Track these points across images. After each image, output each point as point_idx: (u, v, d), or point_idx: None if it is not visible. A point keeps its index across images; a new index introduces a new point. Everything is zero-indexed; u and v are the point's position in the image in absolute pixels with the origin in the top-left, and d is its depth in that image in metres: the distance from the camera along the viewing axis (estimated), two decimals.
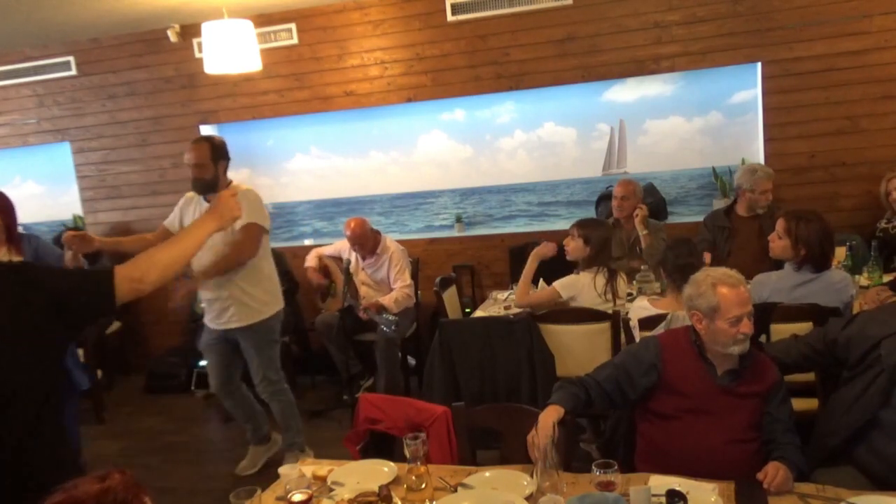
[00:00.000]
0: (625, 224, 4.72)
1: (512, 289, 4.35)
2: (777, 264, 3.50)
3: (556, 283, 3.72)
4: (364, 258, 5.02)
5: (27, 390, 1.90)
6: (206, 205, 3.79)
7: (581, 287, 3.68)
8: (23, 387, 1.89)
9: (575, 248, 3.78)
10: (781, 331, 3.04)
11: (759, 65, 5.02)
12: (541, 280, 4.05)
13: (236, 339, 3.91)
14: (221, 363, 3.99)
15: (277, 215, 6.24)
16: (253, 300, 3.81)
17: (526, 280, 3.87)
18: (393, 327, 4.59)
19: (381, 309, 4.72)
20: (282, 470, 2.31)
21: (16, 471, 1.88)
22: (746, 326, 2.28)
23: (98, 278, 2.02)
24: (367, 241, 4.92)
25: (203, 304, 3.98)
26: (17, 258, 3.41)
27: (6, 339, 1.86)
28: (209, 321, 3.93)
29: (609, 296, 3.71)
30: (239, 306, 3.79)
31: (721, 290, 2.31)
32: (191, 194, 3.95)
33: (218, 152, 3.76)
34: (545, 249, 3.89)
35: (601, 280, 3.71)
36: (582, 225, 3.79)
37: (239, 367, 4.06)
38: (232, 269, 3.72)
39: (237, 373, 4.08)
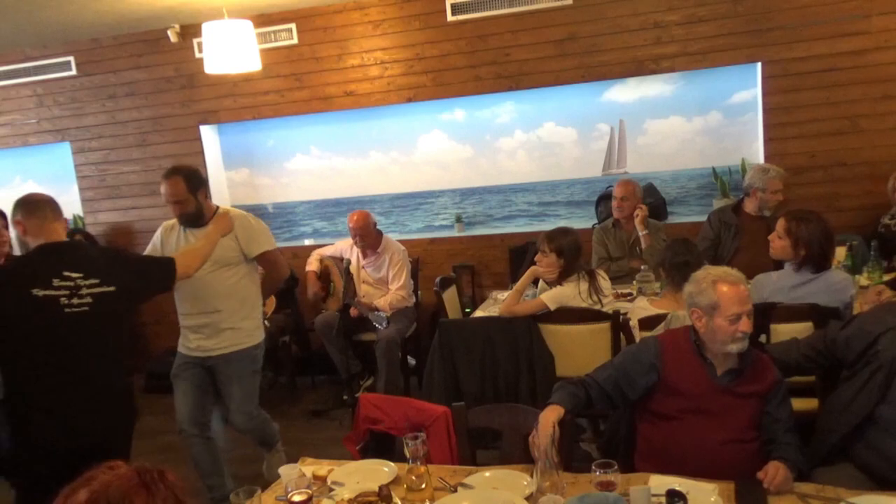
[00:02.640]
0: (625, 224, 4.71)
1: (512, 289, 4.35)
2: (780, 266, 3.49)
3: (544, 296, 3.71)
4: (365, 255, 5.03)
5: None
6: (190, 231, 3.63)
7: (568, 298, 3.68)
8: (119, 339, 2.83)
9: (549, 263, 3.75)
10: (781, 331, 3.04)
11: (759, 65, 5.02)
12: (540, 282, 4.04)
13: (214, 367, 3.66)
14: (199, 390, 3.66)
15: (277, 215, 6.24)
16: (246, 325, 3.68)
17: (518, 291, 3.86)
18: (384, 324, 4.60)
19: (374, 308, 4.74)
20: (282, 470, 2.31)
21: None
22: (745, 325, 2.28)
23: (164, 262, 3.11)
24: (368, 234, 4.92)
25: (184, 329, 3.72)
26: None
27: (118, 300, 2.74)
28: (191, 349, 3.65)
29: (595, 297, 3.71)
30: (233, 330, 3.63)
31: (721, 287, 2.32)
32: (169, 223, 3.78)
33: (193, 183, 3.56)
34: (544, 272, 3.87)
35: (584, 285, 3.71)
36: (551, 238, 3.75)
37: (213, 401, 3.77)
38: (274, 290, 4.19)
39: (211, 406, 3.77)
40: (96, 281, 2.63)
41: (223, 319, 3.60)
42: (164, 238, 3.77)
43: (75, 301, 2.57)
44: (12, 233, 3.02)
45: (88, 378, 2.67)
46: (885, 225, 4.41)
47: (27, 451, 2.62)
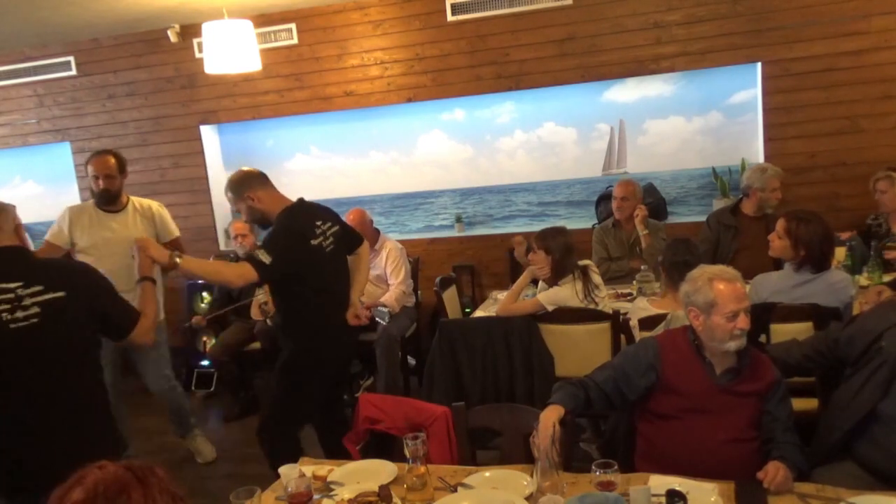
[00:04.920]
0: (625, 224, 4.71)
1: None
2: (780, 266, 3.49)
3: (541, 297, 3.71)
4: None
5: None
6: (104, 213, 4.03)
7: (565, 298, 3.67)
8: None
9: (538, 260, 3.75)
10: (781, 331, 3.04)
11: (759, 65, 5.03)
12: (540, 282, 4.04)
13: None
14: (117, 361, 4.11)
15: None
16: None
17: (515, 291, 3.85)
18: (387, 319, 4.61)
19: (379, 304, 4.75)
20: (282, 470, 2.31)
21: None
22: (743, 322, 2.28)
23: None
24: (363, 228, 4.91)
25: None
26: None
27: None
28: None
29: (591, 297, 3.70)
30: None
31: (717, 285, 2.32)
32: (78, 206, 4.16)
33: (122, 165, 4.07)
34: (536, 269, 3.86)
35: (580, 285, 3.71)
36: (542, 237, 3.76)
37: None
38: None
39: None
40: (330, 224, 3.32)
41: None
42: (74, 220, 4.07)
43: (327, 242, 3.24)
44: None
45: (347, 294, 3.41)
46: (868, 225, 4.43)
47: (320, 362, 3.28)
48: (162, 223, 4.18)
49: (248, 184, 3.23)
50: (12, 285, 2.31)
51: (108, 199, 4.04)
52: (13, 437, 2.35)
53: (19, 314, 2.30)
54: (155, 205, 4.22)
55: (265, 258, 3.01)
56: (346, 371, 3.70)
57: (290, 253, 3.10)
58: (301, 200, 3.33)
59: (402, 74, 5.54)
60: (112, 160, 4.02)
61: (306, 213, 3.29)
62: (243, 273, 3.02)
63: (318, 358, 3.28)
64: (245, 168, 3.37)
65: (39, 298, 2.33)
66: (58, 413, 2.38)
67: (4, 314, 2.28)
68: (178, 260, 2.90)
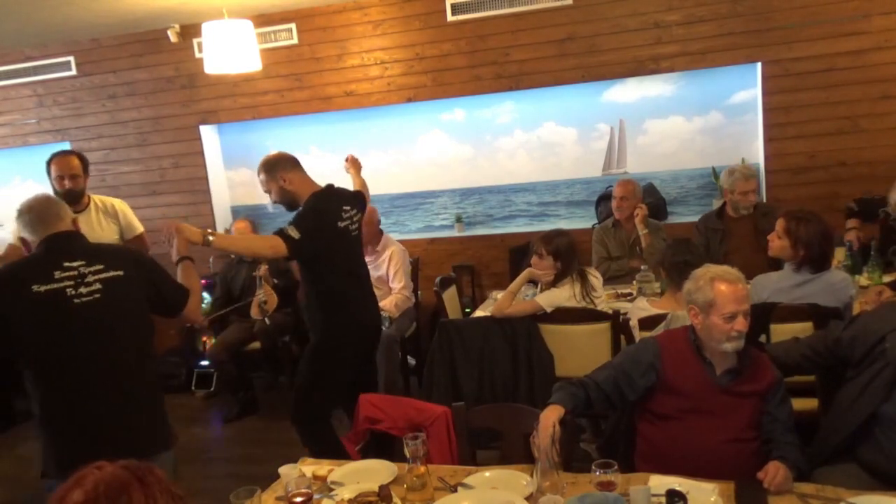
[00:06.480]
0: (625, 224, 4.71)
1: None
2: (774, 264, 3.49)
3: (539, 298, 3.70)
4: (366, 252, 5.01)
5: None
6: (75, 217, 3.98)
7: (564, 300, 3.68)
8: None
9: (546, 266, 3.74)
10: (781, 331, 3.04)
11: (759, 65, 5.03)
12: (540, 284, 4.03)
13: None
14: None
15: (277, 215, 6.22)
16: None
17: (511, 292, 3.84)
18: (387, 324, 4.61)
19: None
20: (282, 470, 2.31)
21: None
22: (741, 324, 2.28)
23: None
24: (370, 228, 4.90)
25: None
26: None
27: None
28: None
29: (589, 298, 3.71)
30: None
31: (719, 285, 2.32)
32: None
33: (86, 165, 4.04)
34: (541, 275, 3.86)
35: (578, 287, 3.71)
36: (548, 241, 3.75)
37: None
38: None
39: None
40: (356, 210, 3.49)
41: None
42: None
43: (353, 227, 3.42)
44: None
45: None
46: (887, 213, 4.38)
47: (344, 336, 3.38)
48: (126, 220, 4.13)
49: (281, 165, 3.36)
50: (76, 264, 2.47)
51: (72, 199, 3.95)
52: (72, 412, 2.45)
53: (83, 290, 2.44)
54: (117, 202, 4.18)
55: (294, 233, 3.12)
56: (373, 356, 3.74)
57: (317, 231, 3.21)
58: (330, 185, 3.45)
59: (402, 74, 5.54)
60: (76, 160, 3.97)
61: (335, 197, 3.42)
62: (274, 245, 3.14)
63: (346, 342, 3.36)
64: (279, 151, 3.48)
65: (101, 276, 2.49)
66: (115, 391, 2.49)
67: (69, 290, 2.42)
68: (210, 238, 2.97)
